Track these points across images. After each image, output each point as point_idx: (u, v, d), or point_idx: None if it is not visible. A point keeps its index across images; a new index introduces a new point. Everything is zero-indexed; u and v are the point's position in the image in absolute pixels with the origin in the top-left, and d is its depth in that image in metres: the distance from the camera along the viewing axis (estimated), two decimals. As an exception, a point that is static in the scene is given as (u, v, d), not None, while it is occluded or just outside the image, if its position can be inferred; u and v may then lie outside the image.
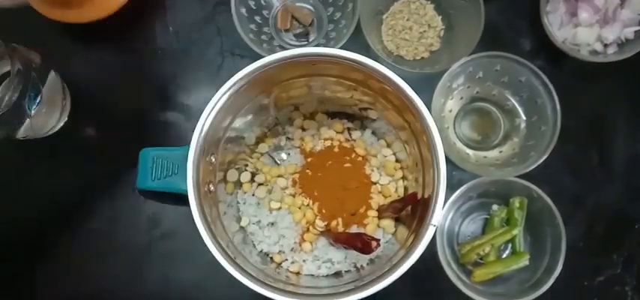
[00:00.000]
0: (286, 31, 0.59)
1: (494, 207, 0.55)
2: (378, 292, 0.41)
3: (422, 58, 0.58)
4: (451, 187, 0.50)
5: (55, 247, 0.56)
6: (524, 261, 0.52)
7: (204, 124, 0.43)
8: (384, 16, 0.59)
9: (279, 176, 0.52)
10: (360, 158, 0.52)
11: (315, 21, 0.59)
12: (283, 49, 0.57)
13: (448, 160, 0.50)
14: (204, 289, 0.55)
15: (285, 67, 0.44)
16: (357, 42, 0.55)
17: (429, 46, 0.58)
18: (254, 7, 0.57)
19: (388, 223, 0.50)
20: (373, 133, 0.54)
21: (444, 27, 0.58)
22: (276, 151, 0.54)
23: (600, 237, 0.56)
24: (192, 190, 0.42)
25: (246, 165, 0.53)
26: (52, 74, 0.53)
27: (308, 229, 0.50)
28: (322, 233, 0.50)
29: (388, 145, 0.54)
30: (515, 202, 0.53)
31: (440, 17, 0.58)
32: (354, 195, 0.50)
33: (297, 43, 0.59)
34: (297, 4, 0.60)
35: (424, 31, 0.58)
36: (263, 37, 0.58)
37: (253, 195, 0.52)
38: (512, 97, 0.56)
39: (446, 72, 0.52)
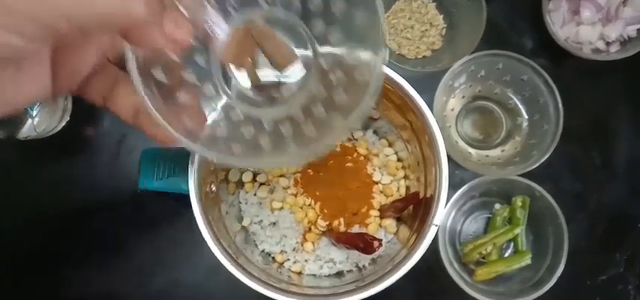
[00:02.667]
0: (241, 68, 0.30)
1: (497, 206, 0.55)
2: (380, 292, 0.41)
3: (423, 56, 0.58)
4: (453, 186, 0.50)
5: (57, 248, 0.56)
6: (527, 260, 0.52)
7: (205, 124, 0.42)
8: (386, 15, 0.59)
9: (280, 176, 0.52)
10: (361, 158, 0.52)
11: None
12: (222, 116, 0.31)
13: (450, 159, 0.50)
14: (206, 289, 0.55)
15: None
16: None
17: (431, 45, 0.58)
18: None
19: (390, 223, 0.50)
20: (375, 132, 0.54)
21: (445, 25, 0.58)
22: (278, 151, 0.54)
23: (603, 236, 0.56)
24: (193, 190, 0.42)
25: (248, 165, 0.53)
26: (54, 74, 0.53)
27: (310, 229, 0.50)
28: (324, 233, 0.50)
29: (390, 145, 0.53)
30: (518, 201, 0.53)
31: (441, 16, 0.58)
32: (355, 195, 0.50)
33: (252, 103, 0.30)
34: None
35: (426, 30, 0.58)
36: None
37: (255, 195, 0.52)
38: (515, 95, 0.56)
39: (448, 71, 0.52)
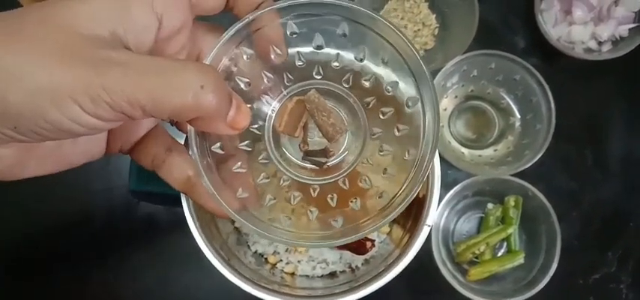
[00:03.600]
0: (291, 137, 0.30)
1: (490, 205, 0.55)
2: (373, 293, 0.41)
3: (416, 56, 0.58)
4: (446, 186, 0.50)
5: (49, 248, 0.56)
6: (520, 259, 0.52)
7: (197, 125, 0.43)
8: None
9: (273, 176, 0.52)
10: (354, 158, 0.52)
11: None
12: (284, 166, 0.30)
13: (443, 159, 0.50)
14: (198, 290, 0.54)
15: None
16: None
17: (424, 45, 0.58)
18: None
19: (383, 223, 0.50)
20: (368, 132, 0.54)
21: (438, 25, 0.58)
22: (271, 151, 0.54)
23: (595, 235, 0.56)
24: (185, 191, 0.42)
25: (241, 165, 0.53)
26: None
27: (303, 230, 0.50)
28: (317, 233, 0.50)
29: (383, 145, 0.53)
30: (510, 200, 0.53)
31: (434, 16, 0.58)
32: (348, 195, 0.50)
33: (305, 172, 0.30)
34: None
35: (418, 30, 0.58)
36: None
37: (248, 195, 0.52)
38: (507, 95, 0.56)
39: (440, 71, 0.52)
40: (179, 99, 0.22)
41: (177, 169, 0.29)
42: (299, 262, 0.50)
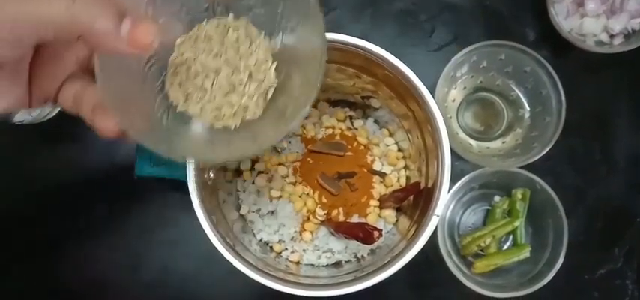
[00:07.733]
0: None
1: (496, 198, 0.54)
2: (378, 283, 0.40)
3: (425, 46, 0.57)
4: (453, 178, 0.49)
5: (53, 233, 0.55)
6: (525, 253, 0.52)
7: (204, 110, 0.42)
8: (388, 3, 0.58)
9: (279, 164, 0.52)
10: (361, 147, 0.52)
11: None
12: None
13: (451, 151, 0.49)
14: (203, 277, 0.54)
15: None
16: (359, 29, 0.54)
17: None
18: None
19: (389, 214, 0.50)
20: (376, 121, 0.54)
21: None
22: (277, 139, 0.54)
23: (601, 230, 0.56)
24: (191, 177, 0.41)
25: (246, 153, 0.53)
26: (50, 57, 0.52)
27: (308, 219, 0.50)
28: (323, 223, 0.50)
29: (391, 135, 0.53)
30: (518, 193, 0.53)
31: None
32: (355, 184, 0.50)
33: None
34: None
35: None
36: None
37: (253, 183, 0.52)
38: (517, 87, 0.55)
39: (450, 61, 0.51)
40: (49, 13, 0.23)
41: (89, 97, 0.29)
42: (304, 250, 0.50)
